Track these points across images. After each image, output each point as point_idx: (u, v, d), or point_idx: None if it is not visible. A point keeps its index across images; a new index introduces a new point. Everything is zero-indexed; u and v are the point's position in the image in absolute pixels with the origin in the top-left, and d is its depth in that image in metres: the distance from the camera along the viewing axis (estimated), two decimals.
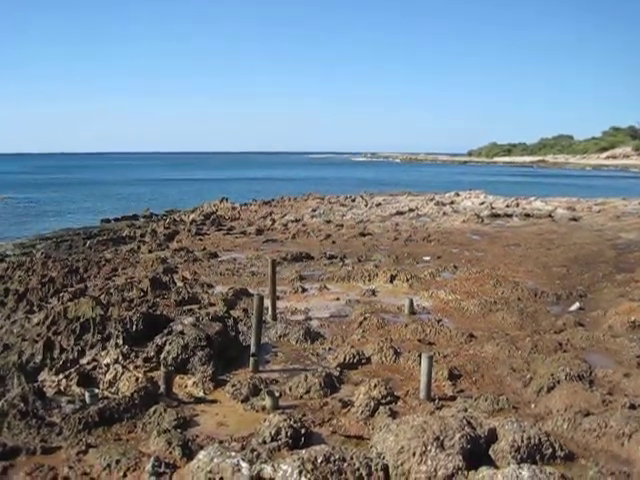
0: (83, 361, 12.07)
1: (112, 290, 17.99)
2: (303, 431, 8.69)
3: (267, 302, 14.85)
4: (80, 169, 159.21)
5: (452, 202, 49.29)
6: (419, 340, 13.67)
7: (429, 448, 7.65)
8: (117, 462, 7.98)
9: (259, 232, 32.49)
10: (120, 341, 12.72)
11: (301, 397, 10.57)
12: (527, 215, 39.69)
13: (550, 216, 39.23)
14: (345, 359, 12.18)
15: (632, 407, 9.26)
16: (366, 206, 46.89)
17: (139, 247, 28.13)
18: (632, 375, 10.98)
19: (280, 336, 13.85)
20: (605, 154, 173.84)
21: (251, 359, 11.83)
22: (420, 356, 10.82)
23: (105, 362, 11.82)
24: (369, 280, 19.91)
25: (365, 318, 15.04)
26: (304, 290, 18.58)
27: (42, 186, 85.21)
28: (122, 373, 11.23)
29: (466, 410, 9.47)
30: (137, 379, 10.93)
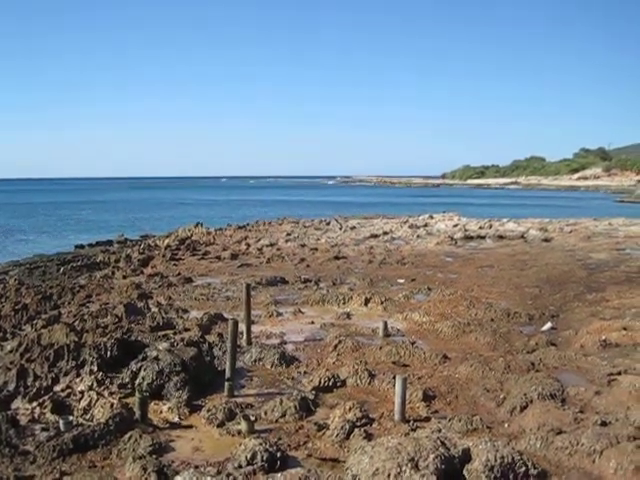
0: (57, 388, 11.97)
1: (86, 316, 17.89)
2: (279, 455, 8.71)
3: (242, 326, 14.84)
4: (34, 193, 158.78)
5: (426, 225, 49.65)
6: (393, 362, 13.74)
7: (404, 469, 7.72)
8: None
9: (234, 257, 32.46)
10: (94, 367, 12.65)
11: (276, 421, 10.59)
12: (500, 237, 40.14)
13: (523, 237, 39.70)
14: (320, 382, 12.22)
15: (603, 424, 9.40)
16: (340, 229, 47.06)
17: (113, 273, 27.96)
18: (603, 393, 11.14)
19: (255, 360, 13.86)
20: (576, 175, 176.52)
21: (226, 384, 11.83)
22: (394, 378, 10.90)
23: (79, 389, 11.75)
24: (344, 303, 19.98)
25: (340, 341, 15.09)
26: (279, 314, 18.59)
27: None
28: (97, 400, 11.16)
29: (440, 431, 9.54)
30: (112, 405, 10.87)
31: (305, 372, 13.23)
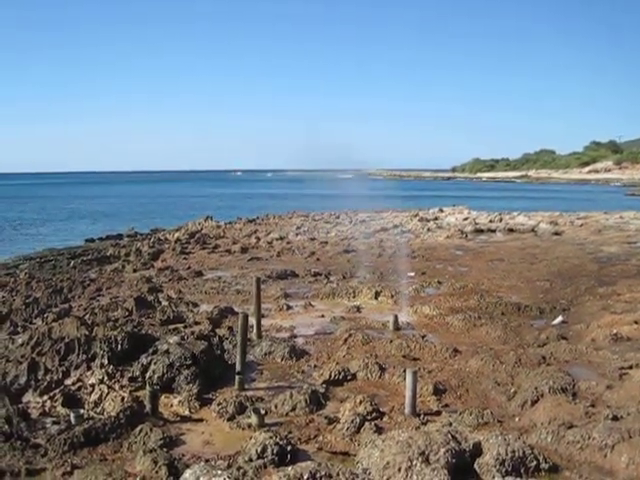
0: (68, 382, 12.01)
1: (97, 310, 17.94)
2: (289, 448, 8.71)
3: (252, 320, 14.87)
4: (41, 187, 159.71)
5: (436, 218, 49.50)
6: (404, 356, 13.71)
7: (414, 463, 7.71)
8: None
9: (244, 250, 32.47)
10: (105, 361, 12.68)
11: (287, 414, 10.58)
12: (510, 230, 39.99)
13: (533, 230, 39.53)
14: (330, 376, 12.21)
15: (615, 419, 9.34)
16: (350, 223, 47.00)
17: (124, 266, 28.01)
18: (614, 387, 11.09)
19: (265, 354, 13.86)
20: (587, 168, 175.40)
21: (237, 377, 11.83)
22: (405, 372, 10.87)
23: (90, 382, 11.79)
24: (354, 297, 19.96)
25: (350, 335, 15.07)
26: (289, 307, 18.59)
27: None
28: (107, 393, 11.19)
29: (451, 425, 9.53)
30: (122, 399, 10.90)
31: (315, 365, 13.22)
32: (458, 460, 7.95)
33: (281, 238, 37.59)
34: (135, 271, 26.76)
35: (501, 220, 45.94)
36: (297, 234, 39.67)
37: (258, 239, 37.43)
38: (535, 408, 10.36)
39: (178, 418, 10.51)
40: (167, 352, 12.46)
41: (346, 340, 14.81)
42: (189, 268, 26.87)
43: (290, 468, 7.65)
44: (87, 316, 17.05)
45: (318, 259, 29.40)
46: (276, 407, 10.80)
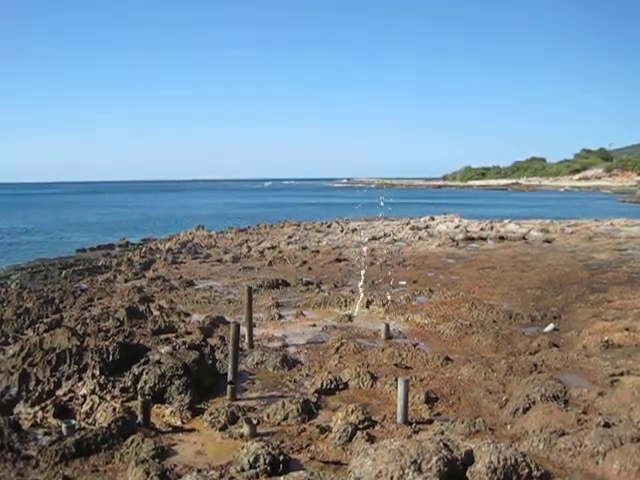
0: (59, 392, 11.97)
1: (88, 320, 17.91)
2: (281, 458, 8.69)
3: (244, 330, 14.85)
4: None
5: (427, 226, 49.60)
6: (396, 364, 13.71)
7: (406, 472, 7.70)
8: None
9: (235, 260, 32.46)
10: (97, 371, 12.63)
11: (279, 424, 10.57)
12: (501, 238, 40.04)
13: (524, 238, 39.59)
14: (322, 385, 12.20)
15: (606, 425, 9.36)
16: (342, 232, 47.04)
17: (115, 276, 27.98)
18: (606, 394, 11.10)
19: (257, 363, 13.84)
20: (577, 176, 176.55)
21: (228, 387, 11.82)
22: (397, 380, 10.88)
23: (82, 393, 11.74)
24: (345, 305, 19.96)
25: (342, 344, 15.07)
26: (280, 317, 18.57)
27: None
28: (99, 404, 11.15)
29: (443, 433, 9.52)
30: (114, 409, 10.87)
31: (307, 375, 13.21)
32: (450, 468, 7.95)
33: (273, 247, 37.63)
34: (126, 281, 26.73)
35: (492, 228, 46.08)
36: (289, 243, 39.68)
37: (249, 248, 37.46)
38: (527, 416, 10.37)
39: (170, 428, 10.48)
40: (159, 362, 12.44)
41: (338, 349, 14.81)
42: (180, 278, 26.84)
43: (282, 478, 7.65)
44: (78, 326, 17.02)
45: (310, 268, 29.42)
46: (268, 417, 10.78)
